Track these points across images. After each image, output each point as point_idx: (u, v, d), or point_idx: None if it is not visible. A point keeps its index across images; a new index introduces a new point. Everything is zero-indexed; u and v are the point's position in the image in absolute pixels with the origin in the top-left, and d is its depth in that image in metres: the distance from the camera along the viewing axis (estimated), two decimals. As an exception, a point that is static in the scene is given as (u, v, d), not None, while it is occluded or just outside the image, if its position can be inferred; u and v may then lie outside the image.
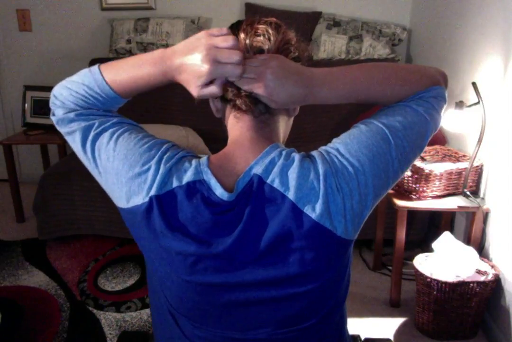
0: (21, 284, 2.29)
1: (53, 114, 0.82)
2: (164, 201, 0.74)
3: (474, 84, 1.87)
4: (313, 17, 3.11)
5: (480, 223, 1.93)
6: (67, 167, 2.60)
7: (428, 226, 2.50)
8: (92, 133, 0.78)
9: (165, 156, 0.75)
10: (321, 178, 0.72)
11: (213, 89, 0.72)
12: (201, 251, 0.73)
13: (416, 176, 1.95)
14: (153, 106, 3.07)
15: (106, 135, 0.78)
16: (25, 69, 3.44)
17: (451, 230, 2.27)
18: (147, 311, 2.07)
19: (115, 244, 2.67)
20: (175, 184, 0.74)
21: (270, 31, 0.76)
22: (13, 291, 2.23)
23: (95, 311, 2.08)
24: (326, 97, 0.77)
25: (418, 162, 1.98)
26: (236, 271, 0.75)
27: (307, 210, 0.71)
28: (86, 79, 0.79)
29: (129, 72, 0.77)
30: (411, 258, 2.00)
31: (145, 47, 3.15)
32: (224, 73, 0.70)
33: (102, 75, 0.78)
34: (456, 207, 1.92)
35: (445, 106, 0.85)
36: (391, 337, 1.92)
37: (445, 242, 1.87)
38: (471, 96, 2.06)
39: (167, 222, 0.74)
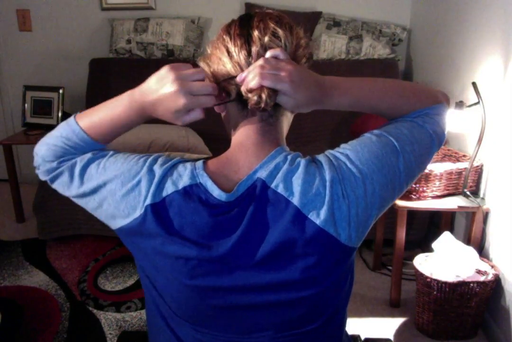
0: (21, 284, 2.29)
1: (38, 169, 0.84)
2: (161, 208, 0.74)
3: (474, 84, 1.87)
4: (313, 17, 3.11)
5: (480, 223, 1.93)
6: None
7: (428, 226, 2.49)
8: (78, 169, 0.79)
9: (155, 165, 0.76)
10: (328, 184, 0.72)
11: (197, 115, 0.74)
12: (202, 254, 0.73)
13: (416, 176, 1.94)
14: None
15: (93, 166, 0.79)
16: (25, 69, 3.43)
17: (451, 230, 2.27)
18: (147, 311, 2.07)
19: (115, 244, 2.66)
20: (172, 189, 0.74)
21: (285, 33, 0.76)
22: (13, 291, 2.23)
23: (95, 311, 2.08)
24: (338, 102, 0.78)
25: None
26: (237, 274, 0.74)
27: (312, 216, 0.71)
28: (63, 132, 0.81)
29: (102, 115, 0.79)
30: (411, 258, 2.00)
31: (145, 47, 3.15)
32: (199, 105, 0.73)
33: (78, 124, 0.80)
34: (456, 207, 1.92)
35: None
36: (391, 337, 1.92)
37: (445, 242, 1.87)
38: (471, 96, 2.06)
39: (166, 228, 0.74)
